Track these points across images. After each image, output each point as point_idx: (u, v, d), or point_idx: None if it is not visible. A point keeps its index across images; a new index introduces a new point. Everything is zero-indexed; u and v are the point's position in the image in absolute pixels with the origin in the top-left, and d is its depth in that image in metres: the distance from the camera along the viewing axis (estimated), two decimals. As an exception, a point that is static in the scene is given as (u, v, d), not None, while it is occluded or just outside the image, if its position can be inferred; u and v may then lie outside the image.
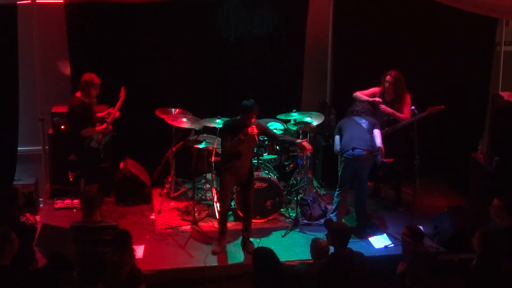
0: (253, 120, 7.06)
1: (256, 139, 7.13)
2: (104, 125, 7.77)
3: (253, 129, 7.00)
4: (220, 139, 8.20)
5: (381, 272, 6.80)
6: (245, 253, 7.41)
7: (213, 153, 8.20)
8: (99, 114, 7.93)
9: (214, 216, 8.20)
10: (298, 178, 8.59)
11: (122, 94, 7.83)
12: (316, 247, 6.29)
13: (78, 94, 7.67)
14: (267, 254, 5.90)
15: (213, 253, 7.38)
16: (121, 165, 8.74)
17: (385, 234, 7.87)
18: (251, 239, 7.62)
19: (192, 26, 8.80)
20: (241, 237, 7.59)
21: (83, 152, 7.75)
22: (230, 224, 7.99)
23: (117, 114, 7.85)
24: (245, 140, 7.04)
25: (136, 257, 6.21)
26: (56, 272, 5.74)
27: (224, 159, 7.33)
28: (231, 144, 7.09)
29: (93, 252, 6.33)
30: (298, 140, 7.58)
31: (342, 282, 5.82)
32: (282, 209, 8.30)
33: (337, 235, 6.08)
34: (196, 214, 8.09)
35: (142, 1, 8.51)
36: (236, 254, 7.44)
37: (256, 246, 7.42)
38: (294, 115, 8.57)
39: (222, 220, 7.49)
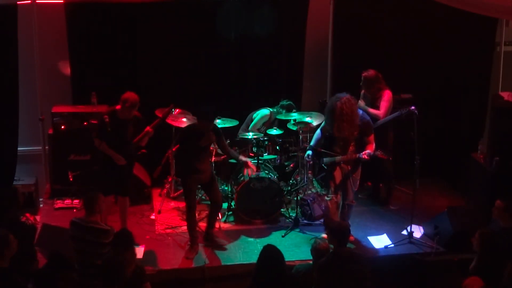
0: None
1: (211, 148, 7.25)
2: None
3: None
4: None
5: (381, 272, 6.80)
6: (213, 246, 7.44)
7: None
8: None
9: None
10: (298, 178, 8.59)
11: (165, 112, 7.41)
12: (315, 247, 6.28)
13: (118, 107, 7.22)
14: (274, 254, 5.88)
15: (187, 258, 7.32)
16: (121, 165, 8.73)
17: (385, 234, 7.87)
18: (251, 239, 7.66)
19: (192, 26, 8.81)
20: (240, 238, 7.64)
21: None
22: (230, 225, 8.02)
23: (151, 133, 7.27)
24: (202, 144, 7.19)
25: (136, 257, 6.21)
26: (56, 272, 5.74)
27: (184, 162, 7.36)
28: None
29: (89, 252, 6.35)
30: (243, 158, 7.57)
31: (340, 281, 5.81)
32: (282, 209, 8.31)
33: (336, 234, 6.05)
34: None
35: (142, 1, 8.51)
36: (236, 254, 7.45)
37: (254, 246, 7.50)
38: (294, 115, 8.57)
39: (193, 225, 7.42)
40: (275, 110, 8.69)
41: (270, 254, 5.90)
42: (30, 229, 7.23)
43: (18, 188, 8.14)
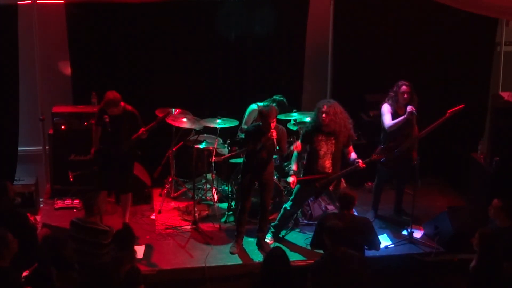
0: (273, 124, 7.13)
1: (275, 142, 7.15)
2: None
3: (273, 133, 7.09)
4: (220, 139, 8.25)
5: (381, 272, 6.80)
6: (262, 253, 7.39)
7: (213, 153, 8.19)
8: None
9: (214, 216, 8.21)
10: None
11: (161, 117, 7.44)
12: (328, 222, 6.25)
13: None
14: (280, 256, 5.85)
15: (232, 253, 7.41)
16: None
17: (385, 234, 7.86)
18: (251, 239, 7.65)
19: (192, 26, 8.81)
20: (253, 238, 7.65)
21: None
22: (230, 225, 8.02)
23: (145, 134, 7.35)
24: (266, 144, 7.16)
25: (135, 258, 6.19)
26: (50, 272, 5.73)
27: (245, 161, 7.41)
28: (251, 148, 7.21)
29: (88, 252, 6.35)
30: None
31: (334, 282, 5.77)
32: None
33: (329, 234, 5.99)
34: (196, 214, 8.09)
35: (142, 1, 8.51)
36: (236, 254, 7.43)
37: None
38: (294, 115, 8.56)
39: (241, 220, 7.50)
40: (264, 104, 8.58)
41: (277, 254, 5.86)
42: (28, 223, 7.18)
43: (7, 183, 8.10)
